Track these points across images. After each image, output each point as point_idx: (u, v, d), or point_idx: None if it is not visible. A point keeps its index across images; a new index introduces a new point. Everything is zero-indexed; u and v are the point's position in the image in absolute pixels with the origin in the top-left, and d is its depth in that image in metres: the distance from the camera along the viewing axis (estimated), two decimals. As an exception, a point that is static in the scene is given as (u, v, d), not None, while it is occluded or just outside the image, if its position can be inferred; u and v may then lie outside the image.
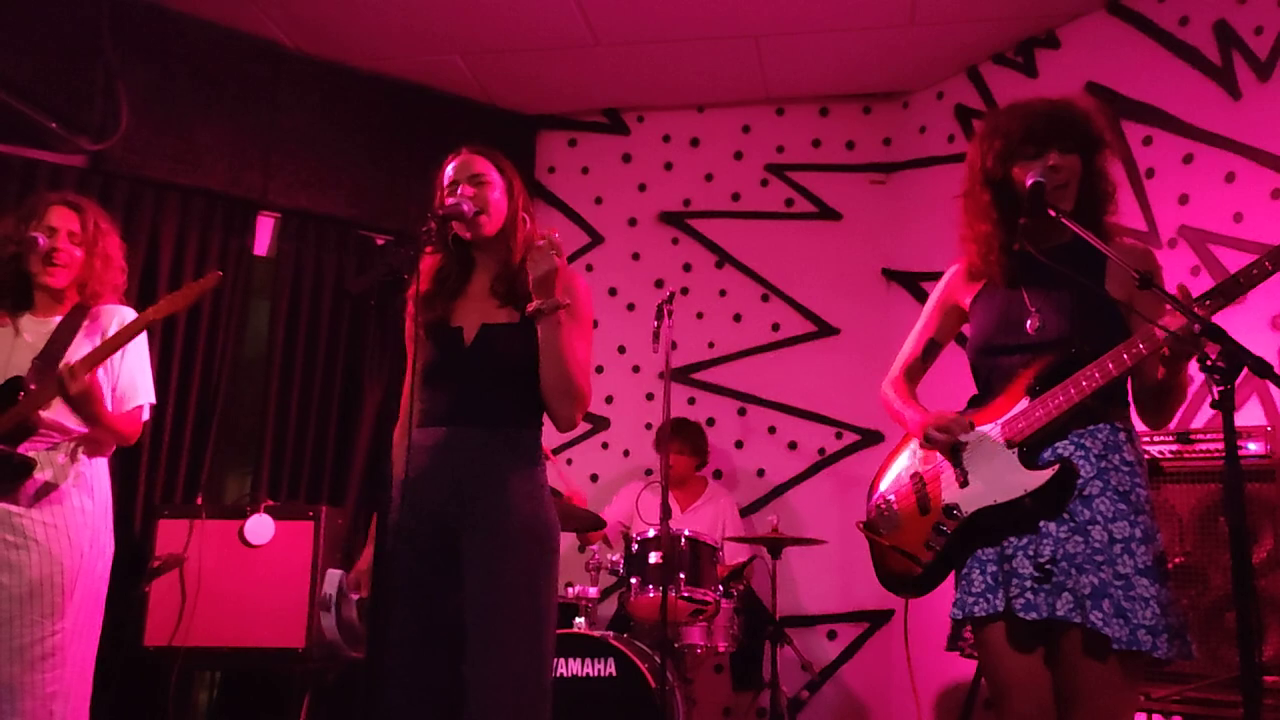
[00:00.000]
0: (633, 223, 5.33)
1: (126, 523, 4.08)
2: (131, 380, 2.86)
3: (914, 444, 2.33)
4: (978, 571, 2.11)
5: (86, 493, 2.76)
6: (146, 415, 2.91)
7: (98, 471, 2.82)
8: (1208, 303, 1.88)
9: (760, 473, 5.05)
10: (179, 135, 4.42)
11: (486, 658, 2.12)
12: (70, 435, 2.76)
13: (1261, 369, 1.63)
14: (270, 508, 3.87)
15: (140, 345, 2.89)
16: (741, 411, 5.11)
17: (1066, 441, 2.09)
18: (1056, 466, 2.05)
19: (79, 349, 2.75)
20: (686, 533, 3.85)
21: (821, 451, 4.99)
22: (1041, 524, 2.05)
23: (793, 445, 5.03)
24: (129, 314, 2.88)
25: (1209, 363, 1.69)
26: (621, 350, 5.22)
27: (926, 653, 2.66)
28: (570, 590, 3.86)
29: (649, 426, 5.03)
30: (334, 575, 2.34)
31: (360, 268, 4.86)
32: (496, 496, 2.22)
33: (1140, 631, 1.92)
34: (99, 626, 2.79)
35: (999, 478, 2.10)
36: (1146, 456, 3.22)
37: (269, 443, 4.56)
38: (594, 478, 5.14)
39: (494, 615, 2.15)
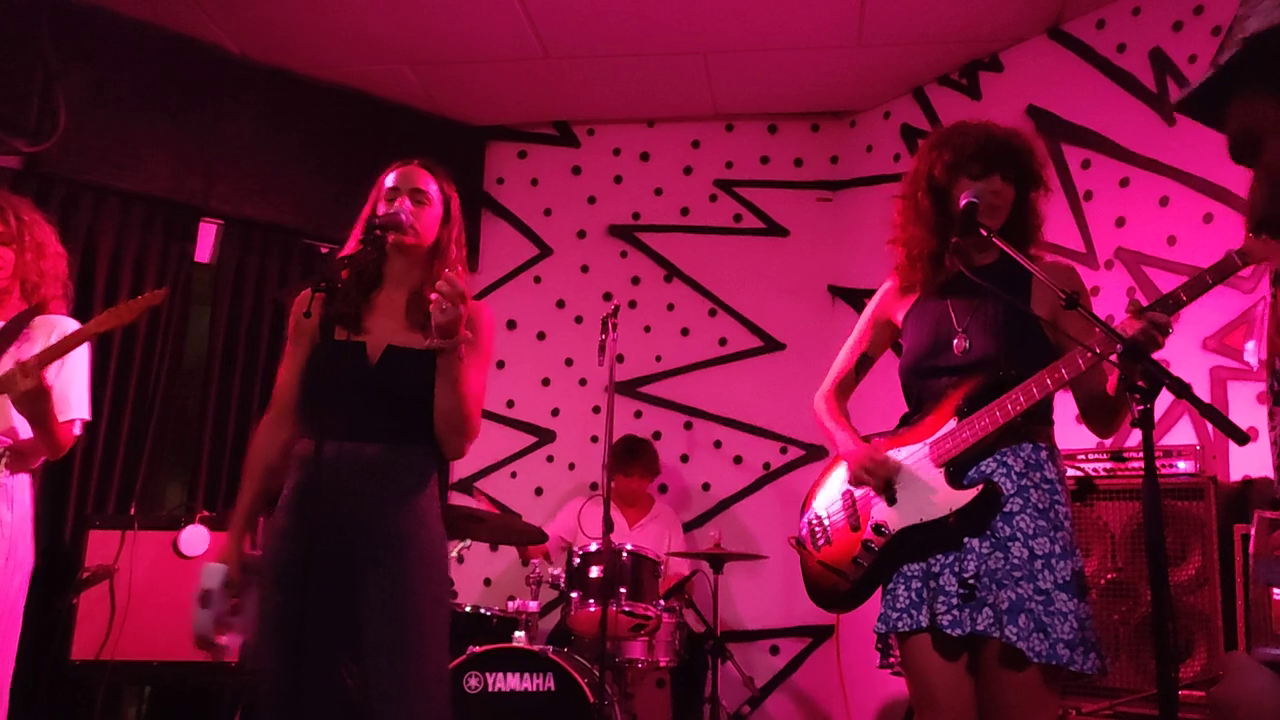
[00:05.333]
0: (582, 235, 5.33)
1: (56, 533, 3.99)
2: (65, 393, 2.75)
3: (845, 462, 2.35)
4: (903, 587, 2.14)
5: (6, 505, 2.68)
6: (78, 430, 2.81)
7: (19, 484, 2.74)
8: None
9: (705, 487, 5.06)
10: (119, 139, 4.34)
11: (390, 668, 2.13)
12: (-8, 446, 2.68)
13: (1179, 389, 1.66)
14: (205, 518, 3.79)
15: (79, 359, 2.80)
16: (688, 425, 5.12)
17: (991, 460, 2.12)
18: (981, 486, 2.08)
19: (6, 364, 2.65)
20: (628, 547, 3.84)
21: (766, 466, 5.01)
22: (966, 541, 2.08)
23: (738, 459, 5.04)
24: (70, 324, 2.79)
25: (1129, 382, 1.72)
26: (569, 363, 5.21)
27: (866, 669, 2.68)
28: (511, 604, 3.82)
29: (595, 440, 5.01)
30: (215, 570, 2.25)
31: (303, 276, 4.80)
32: (392, 513, 2.22)
33: (1059, 646, 1.96)
34: (15, 643, 2.70)
35: (926, 497, 2.13)
36: (1081, 474, 3.30)
37: (206, 452, 4.48)
38: (538, 491, 5.11)
39: (395, 628, 2.15)
